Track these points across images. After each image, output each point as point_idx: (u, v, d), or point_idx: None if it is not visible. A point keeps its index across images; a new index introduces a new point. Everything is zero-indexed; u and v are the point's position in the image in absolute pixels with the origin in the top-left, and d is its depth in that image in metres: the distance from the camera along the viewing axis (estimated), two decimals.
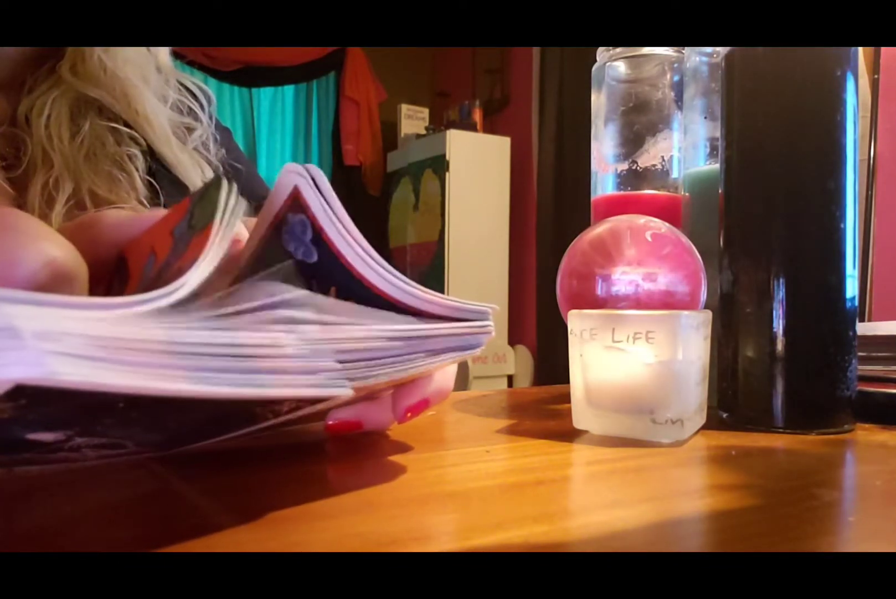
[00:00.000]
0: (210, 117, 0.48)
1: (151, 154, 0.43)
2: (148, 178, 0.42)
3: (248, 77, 2.69)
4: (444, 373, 0.24)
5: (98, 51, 0.41)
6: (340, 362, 0.17)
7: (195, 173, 0.44)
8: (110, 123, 0.41)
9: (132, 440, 0.18)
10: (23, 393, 0.12)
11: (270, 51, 2.60)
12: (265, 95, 2.83)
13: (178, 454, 0.25)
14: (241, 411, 0.18)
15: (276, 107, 2.85)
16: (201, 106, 0.48)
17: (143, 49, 0.44)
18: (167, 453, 0.21)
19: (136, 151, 0.41)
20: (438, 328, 0.20)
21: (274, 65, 2.68)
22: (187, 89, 0.48)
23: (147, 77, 0.43)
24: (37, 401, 0.13)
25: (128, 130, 0.42)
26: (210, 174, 0.46)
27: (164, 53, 0.45)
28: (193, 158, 0.45)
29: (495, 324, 0.22)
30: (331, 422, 0.24)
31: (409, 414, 0.23)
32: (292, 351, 0.16)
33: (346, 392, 0.17)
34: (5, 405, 0.12)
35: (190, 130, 0.46)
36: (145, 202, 0.41)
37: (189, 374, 0.14)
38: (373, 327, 0.18)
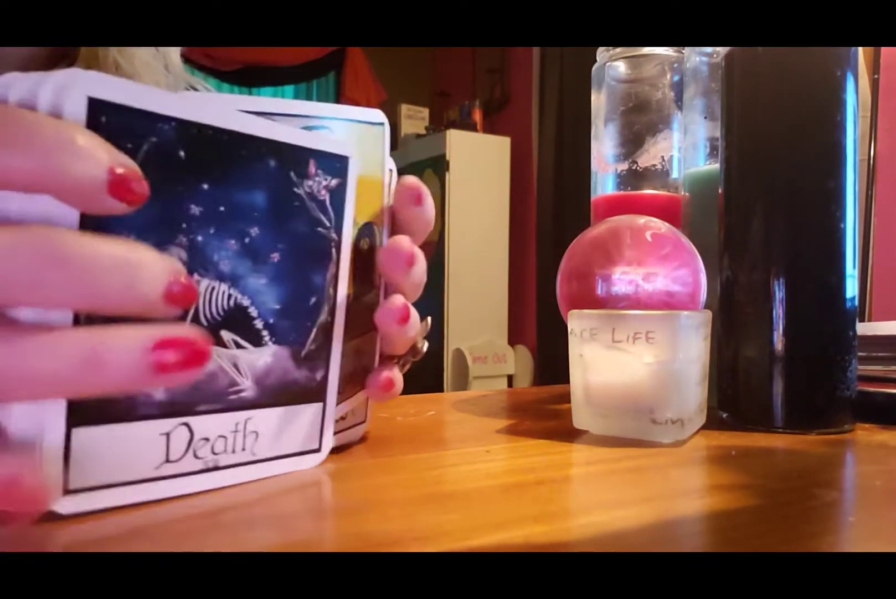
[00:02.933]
0: None
1: None
2: None
3: (249, 77, 2.69)
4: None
5: (113, 52, 0.41)
6: None
7: None
8: None
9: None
10: (100, 122, 0.14)
11: (270, 51, 2.60)
12: (265, 95, 2.83)
13: None
14: None
15: None
16: None
17: (153, 51, 0.43)
18: None
19: None
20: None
21: (274, 65, 2.68)
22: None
23: (160, 81, 0.43)
24: (119, 139, 0.14)
25: None
26: None
27: (174, 56, 0.45)
28: None
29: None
30: None
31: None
32: None
33: None
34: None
35: None
36: None
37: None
38: None
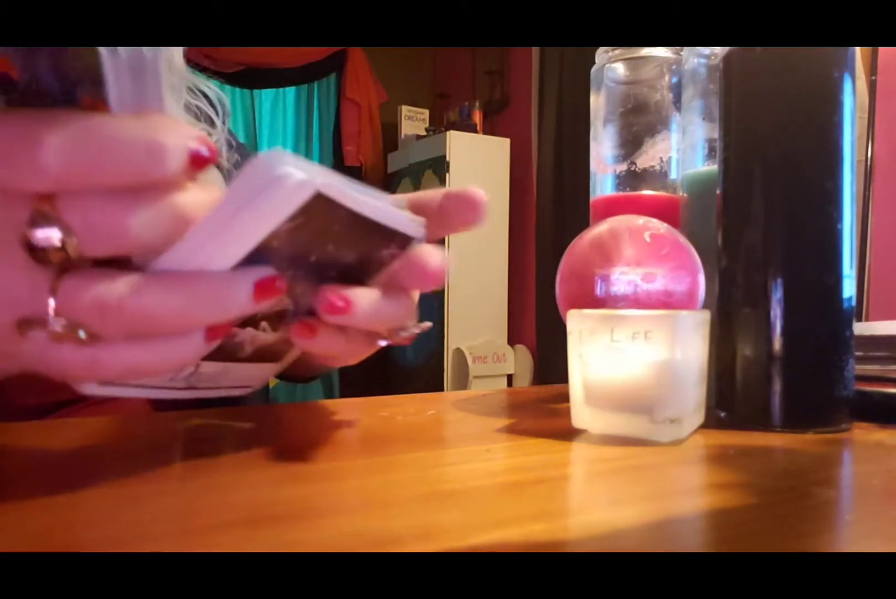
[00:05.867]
0: (224, 122, 0.48)
1: None
2: None
3: (250, 79, 2.69)
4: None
5: None
6: None
7: (210, 179, 0.45)
8: None
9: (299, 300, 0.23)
10: (312, 207, 0.18)
11: (271, 52, 2.60)
12: (266, 96, 2.83)
13: (172, 451, 0.25)
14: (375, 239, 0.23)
15: (278, 108, 2.85)
16: (216, 111, 0.48)
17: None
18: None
19: None
20: None
21: (275, 66, 2.68)
22: (202, 93, 0.47)
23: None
24: (310, 219, 0.19)
25: None
26: (221, 180, 0.46)
27: (177, 57, 0.45)
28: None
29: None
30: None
31: None
32: None
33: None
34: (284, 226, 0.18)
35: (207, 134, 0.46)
36: None
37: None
38: None
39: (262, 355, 0.25)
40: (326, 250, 0.21)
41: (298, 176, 0.18)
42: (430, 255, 0.24)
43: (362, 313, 0.23)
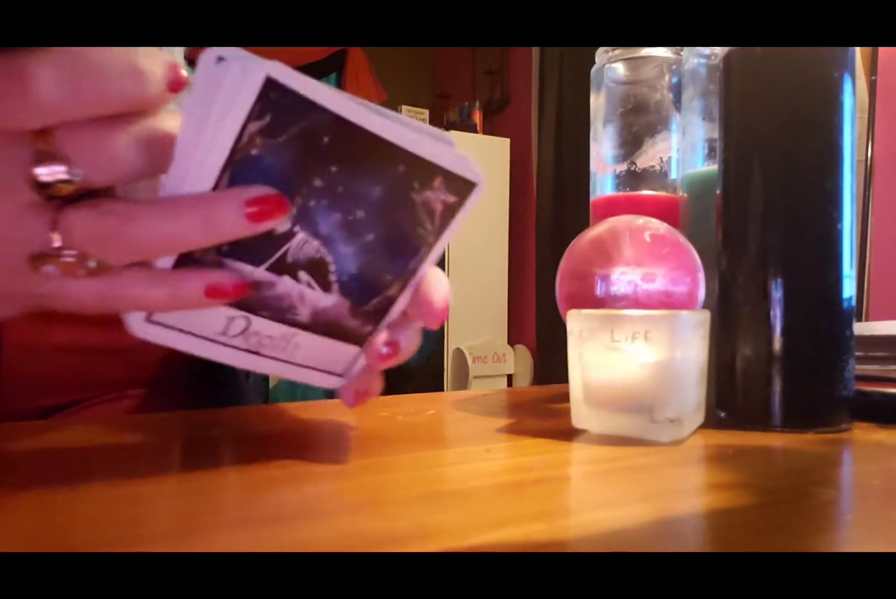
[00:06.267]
0: None
1: None
2: None
3: None
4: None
5: None
6: None
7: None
8: None
9: (327, 241, 0.21)
10: (278, 102, 0.17)
11: (271, 52, 2.58)
12: None
13: (172, 452, 0.25)
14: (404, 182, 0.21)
15: None
16: None
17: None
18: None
19: None
20: None
21: None
22: None
23: None
24: (280, 117, 0.17)
25: None
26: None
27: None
28: None
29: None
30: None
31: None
32: None
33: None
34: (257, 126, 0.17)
35: None
36: None
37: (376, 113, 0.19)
38: None
39: (334, 329, 0.23)
40: (329, 172, 0.19)
41: (240, 59, 0.17)
42: (435, 290, 0.24)
43: (404, 354, 0.24)
